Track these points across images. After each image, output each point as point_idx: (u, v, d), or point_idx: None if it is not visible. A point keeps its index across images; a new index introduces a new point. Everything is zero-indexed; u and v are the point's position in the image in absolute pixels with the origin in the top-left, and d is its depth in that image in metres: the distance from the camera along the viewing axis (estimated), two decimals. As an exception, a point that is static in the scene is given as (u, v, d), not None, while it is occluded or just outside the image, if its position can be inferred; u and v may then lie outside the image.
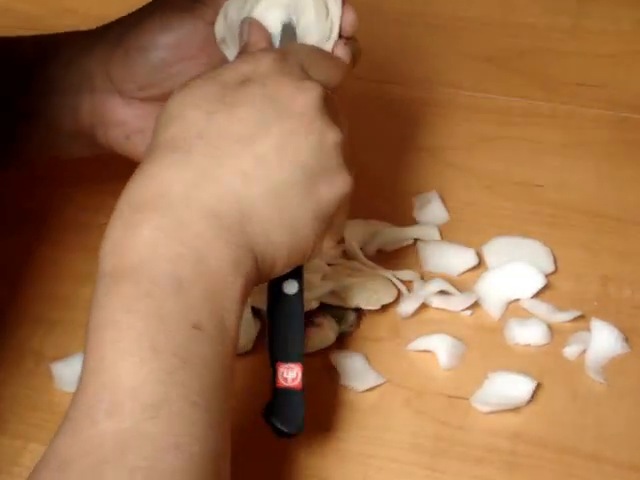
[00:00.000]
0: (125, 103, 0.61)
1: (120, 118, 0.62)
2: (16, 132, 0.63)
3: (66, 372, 0.61)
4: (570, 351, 0.62)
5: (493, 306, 0.64)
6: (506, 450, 0.57)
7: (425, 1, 0.88)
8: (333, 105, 0.53)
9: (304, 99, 0.51)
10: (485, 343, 0.62)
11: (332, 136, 0.51)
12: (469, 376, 0.61)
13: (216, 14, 0.58)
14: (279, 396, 0.54)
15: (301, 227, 0.51)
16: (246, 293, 0.50)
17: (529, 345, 0.62)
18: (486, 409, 0.59)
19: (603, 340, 0.62)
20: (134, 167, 0.72)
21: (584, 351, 0.62)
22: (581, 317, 0.63)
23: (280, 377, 0.54)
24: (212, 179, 0.49)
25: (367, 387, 0.60)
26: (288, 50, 0.54)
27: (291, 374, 0.54)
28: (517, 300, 0.65)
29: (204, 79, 0.52)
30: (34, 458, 0.56)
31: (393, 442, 0.58)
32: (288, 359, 0.54)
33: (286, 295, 0.55)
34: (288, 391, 0.53)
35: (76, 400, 0.46)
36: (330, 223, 0.53)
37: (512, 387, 0.59)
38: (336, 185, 0.52)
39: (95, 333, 0.47)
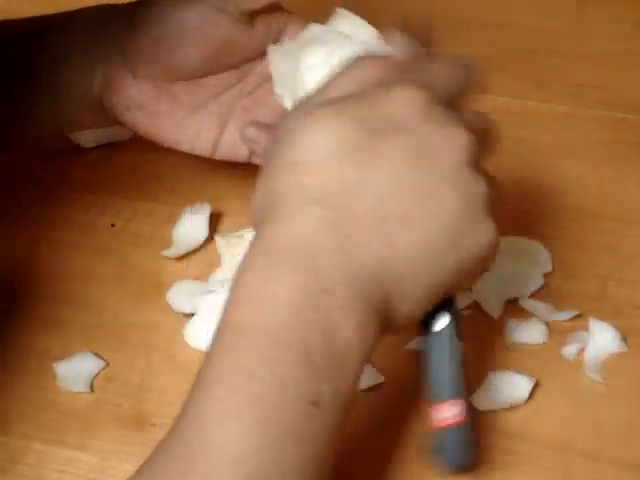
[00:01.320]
0: (130, 76, 0.62)
1: (124, 88, 0.62)
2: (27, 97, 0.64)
3: (69, 371, 0.61)
4: (568, 350, 0.62)
5: (492, 305, 0.64)
6: (504, 449, 0.58)
7: (424, 2, 0.88)
8: (477, 151, 0.49)
9: (453, 153, 0.48)
10: (484, 342, 0.63)
11: (477, 188, 0.48)
12: (468, 375, 0.61)
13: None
14: (439, 435, 0.52)
15: (441, 283, 0.49)
16: (368, 357, 0.47)
17: (527, 344, 0.63)
18: (485, 408, 0.59)
19: (601, 339, 0.62)
20: (136, 168, 0.73)
21: (582, 350, 0.62)
22: (579, 316, 0.64)
23: (438, 417, 0.52)
24: (358, 243, 0.46)
25: (366, 386, 0.60)
26: (429, 80, 0.50)
27: (450, 411, 0.51)
28: (516, 299, 0.65)
29: (346, 119, 0.47)
30: (37, 457, 0.57)
31: (392, 441, 0.58)
32: (444, 397, 0.52)
33: (433, 332, 0.52)
34: (447, 430, 0.51)
35: (168, 448, 0.44)
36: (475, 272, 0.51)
37: (510, 386, 0.60)
38: (482, 238, 0.49)
39: (205, 383, 0.45)
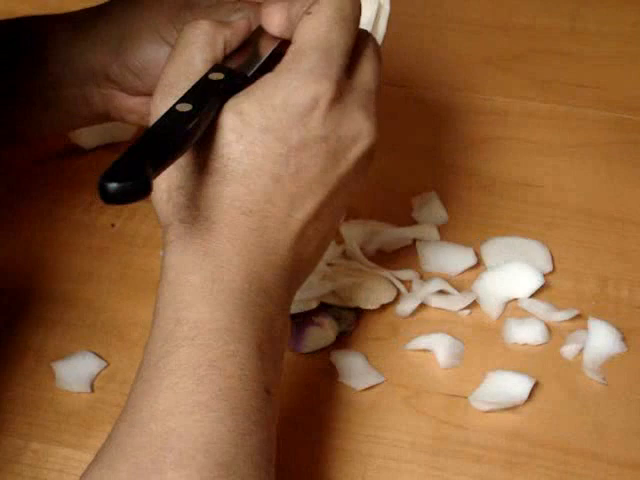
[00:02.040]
0: (131, 96, 0.62)
1: (131, 106, 0.63)
2: (29, 117, 0.64)
3: (67, 371, 0.61)
4: (568, 350, 0.62)
5: (491, 305, 0.64)
6: (504, 449, 0.58)
7: (424, 3, 0.88)
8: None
9: (357, 150, 0.51)
10: (483, 342, 0.63)
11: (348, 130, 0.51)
12: (468, 375, 0.61)
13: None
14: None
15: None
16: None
17: (527, 344, 0.63)
18: (484, 408, 0.59)
19: (601, 339, 0.62)
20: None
21: (582, 350, 0.62)
22: (579, 316, 0.64)
23: None
24: (278, 245, 0.50)
25: (366, 386, 0.60)
26: (349, 84, 0.51)
27: None
28: (515, 299, 0.65)
29: (265, 132, 0.49)
30: (35, 457, 0.57)
31: (392, 441, 0.58)
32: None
33: (178, 112, 0.48)
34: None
35: (135, 436, 0.46)
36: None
37: (510, 386, 0.60)
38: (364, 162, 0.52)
39: (170, 377, 0.46)
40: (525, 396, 0.59)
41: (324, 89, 0.49)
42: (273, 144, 0.49)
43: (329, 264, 0.65)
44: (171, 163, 0.46)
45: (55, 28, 0.64)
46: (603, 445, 0.58)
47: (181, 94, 0.49)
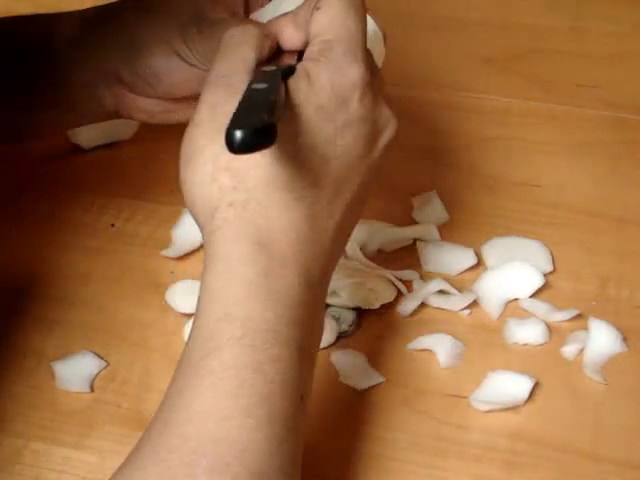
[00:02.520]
0: (141, 97, 0.62)
1: (141, 106, 0.62)
2: (39, 116, 0.64)
3: (67, 371, 0.61)
4: (568, 350, 0.62)
5: (492, 305, 0.64)
6: (505, 449, 0.58)
7: (424, 2, 0.88)
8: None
9: (386, 136, 0.52)
10: (484, 342, 0.63)
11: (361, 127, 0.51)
12: (468, 375, 0.61)
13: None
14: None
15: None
16: None
17: (528, 344, 0.62)
18: (485, 408, 0.59)
19: (601, 339, 0.62)
20: (136, 168, 0.73)
21: (582, 350, 0.62)
22: (579, 316, 0.63)
23: None
24: (323, 235, 0.49)
25: (367, 386, 0.60)
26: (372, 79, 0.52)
27: None
28: (516, 300, 0.65)
29: (317, 111, 0.49)
30: (35, 457, 0.57)
31: (392, 441, 0.58)
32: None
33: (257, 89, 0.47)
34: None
35: (169, 437, 0.45)
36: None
37: (511, 386, 0.60)
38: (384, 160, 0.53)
39: (211, 377, 0.45)
40: (525, 396, 0.59)
41: (359, 72, 0.50)
42: (324, 124, 0.49)
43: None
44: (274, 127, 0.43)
45: (62, 27, 0.63)
46: (603, 445, 0.58)
47: (238, 85, 0.48)
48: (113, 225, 0.70)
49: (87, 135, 0.74)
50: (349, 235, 0.53)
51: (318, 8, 0.51)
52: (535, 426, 0.59)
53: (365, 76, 0.50)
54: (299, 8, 0.54)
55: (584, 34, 0.85)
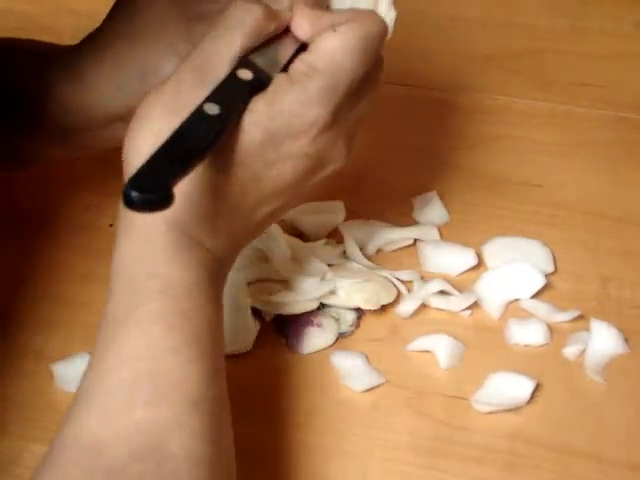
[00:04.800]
0: None
1: None
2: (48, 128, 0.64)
3: (67, 372, 0.61)
4: (570, 351, 0.62)
5: (493, 306, 0.64)
6: (506, 450, 0.58)
7: (424, 2, 0.88)
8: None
9: (329, 170, 0.54)
10: (485, 343, 0.63)
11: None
12: (469, 376, 0.61)
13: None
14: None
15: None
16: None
17: (529, 345, 0.62)
18: (486, 409, 0.59)
19: (602, 340, 0.62)
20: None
21: (583, 351, 0.62)
22: (581, 317, 0.63)
23: None
24: (239, 229, 0.53)
25: (367, 387, 0.60)
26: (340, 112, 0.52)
27: None
28: (517, 300, 0.65)
29: (265, 134, 0.50)
30: (35, 459, 0.57)
31: (393, 442, 0.58)
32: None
33: (206, 115, 0.48)
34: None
35: (104, 383, 0.47)
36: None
37: (512, 387, 0.59)
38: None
39: (139, 326, 0.48)
40: (527, 397, 0.59)
41: (323, 114, 0.51)
42: (266, 149, 0.51)
43: (329, 264, 0.65)
44: (195, 167, 0.46)
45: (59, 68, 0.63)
46: (605, 446, 0.58)
47: (211, 79, 0.49)
48: (112, 225, 0.70)
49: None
50: (256, 235, 0.56)
51: (334, 30, 0.51)
52: (536, 427, 0.59)
53: (328, 120, 0.51)
54: (330, 13, 0.53)
55: (585, 34, 0.85)
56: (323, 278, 0.64)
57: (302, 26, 0.53)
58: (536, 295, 0.65)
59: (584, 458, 0.57)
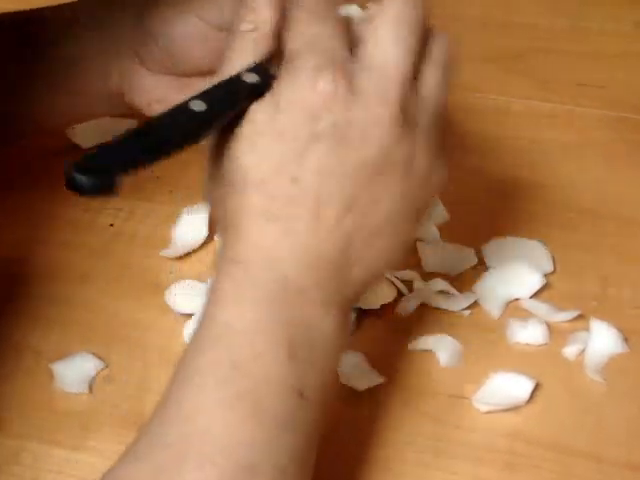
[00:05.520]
0: (148, 72, 0.62)
1: (144, 85, 0.62)
2: (42, 97, 0.65)
3: (66, 371, 0.61)
4: (569, 351, 0.62)
5: (492, 306, 0.64)
6: (505, 449, 0.58)
7: (424, 1, 0.88)
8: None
9: (430, 191, 0.51)
10: (484, 343, 0.63)
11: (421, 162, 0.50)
12: (468, 376, 0.61)
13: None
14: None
15: (396, 250, 0.52)
16: (345, 343, 0.51)
17: (528, 345, 0.62)
18: (485, 408, 0.59)
19: (602, 340, 0.62)
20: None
21: (583, 351, 0.62)
22: (580, 317, 0.63)
23: None
24: (317, 245, 0.49)
25: (367, 386, 0.60)
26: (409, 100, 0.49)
27: None
28: (516, 300, 0.65)
29: (278, 136, 0.48)
30: (33, 457, 0.57)
31: (393, 442, 0.58)
32: None
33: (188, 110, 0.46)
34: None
35: (162, 435, 0.46)
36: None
37: (511, 387, 0.59)
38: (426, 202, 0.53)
39: (193, 377, 0.47)
40: (526, 397, 0.59)
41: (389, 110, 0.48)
42: (287, 145, 0.48)
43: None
44: (158, 160, 0.45)
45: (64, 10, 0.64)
46: (605, 446, 0.58)
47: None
48: (112, 225, 0.70)
49: (86, 135, 0.74)
50: (376, 240, 0.50)
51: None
52: (536, 427, 0.59)
53: (396, 116, 0.48)
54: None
55: (585, 34, 0.85)
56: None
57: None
58: (536, 295, 0.65)
59: (584, 458, 0.57)
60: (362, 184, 0.48)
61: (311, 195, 0.48)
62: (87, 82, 0.64)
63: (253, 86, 0.49)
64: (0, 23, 0.64)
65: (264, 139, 0.48)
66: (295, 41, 0.50)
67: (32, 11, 0.65)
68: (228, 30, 0.54)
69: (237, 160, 0.49)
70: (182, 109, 0.46)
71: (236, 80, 0.49)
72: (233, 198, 0.49)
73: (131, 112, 0.65)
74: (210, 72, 0.60)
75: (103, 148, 0.43)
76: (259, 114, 0.49)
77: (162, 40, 0.60)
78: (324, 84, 0.47)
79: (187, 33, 0.59)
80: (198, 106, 0.47)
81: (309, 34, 0.49)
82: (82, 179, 0.41)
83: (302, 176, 0.48)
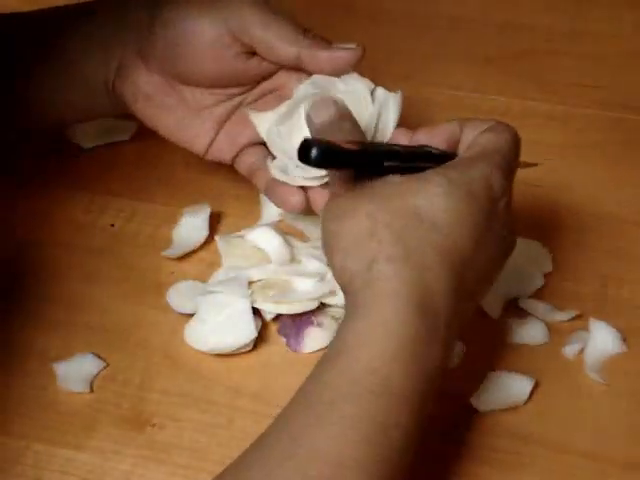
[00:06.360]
0: (144, 68, 0.63)
1: (135, 79, 0.63)
2: (46, 87, 0.65)
3: (70, 372, 0.61)
4: (569, 350, 0.62)
5: (492, 305, 0.64)
6: (504, 449, 0.58)
7: (424, 2, 0.88)
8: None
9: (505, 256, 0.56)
10: (484, 342, 0.63)
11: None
12: (468, 375, 0.61)
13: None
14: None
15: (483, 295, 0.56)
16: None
17: (528, 344, 0.63)
18: (485, 408, 0.59)
19: (601, 340, 0.62)
20: (136, 168, 0.73)
21: (582, 350, 0.62)
22: (580, 317, 0.64)
23: None
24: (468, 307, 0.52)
25: (367, 386, 0.60)
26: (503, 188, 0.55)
27: None
28: (516, 299, 0.65)
29: (469, 196, 0.52)
30: (37, 458, 0.57)
31: (393, 441, 0.58)
32: None
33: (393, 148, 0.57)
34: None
35: (286, 468, 0.46)
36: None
37: (511, 386, 0.60)
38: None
39: (343, 423, 0.46)
40: (525, 396, 0.59)
41: (506, 185, 0.54)
42: (474, 208, 0.51)
43: (329, 264, 0.65)
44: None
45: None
46: (604, 445, 0.58)
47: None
48: (113, 225, 0.70)
49: (86, 135, 0.74)
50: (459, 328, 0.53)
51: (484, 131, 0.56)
52: (535, 426, 0.59)
53: (508, 192, 0.55)
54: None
55: (584, 34, 0.85)
56: (323, 278, 0.64)
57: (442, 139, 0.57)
58: (535, 294, 0.65)
59: (583, 457, 0.57)
60: (492, 275, 0.56)
61: (478, 265, 0.52)
62: (89, 73, 0.64)
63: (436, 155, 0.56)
64: (16, 22, 0.65)
65: (459, 192, 0.51)
66: (488, 145, 0.55)
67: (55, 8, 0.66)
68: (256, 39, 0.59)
69: (430, 198, 0.51)
70: (385, 145, 0.57)
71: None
72: (419, 230, 0.50)
73: (126, 113, 0.66)
74: (204, 83, 0.61)
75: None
76: (453, 173, 0.53)
77: (164, 41, 0.61)
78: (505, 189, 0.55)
79: (193, 40, 0.60)
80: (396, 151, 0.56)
81: (503, 150, 0.55)
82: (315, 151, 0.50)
83: (480, 240, 0.52)
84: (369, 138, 0.59)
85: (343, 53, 0.59)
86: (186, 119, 0.63)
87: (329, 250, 0.51)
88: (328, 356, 0.49)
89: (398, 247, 0.49)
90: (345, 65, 0.59)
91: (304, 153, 0.50)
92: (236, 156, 0.63)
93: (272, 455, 0.46)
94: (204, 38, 0.60)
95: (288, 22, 0.59)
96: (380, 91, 0.61)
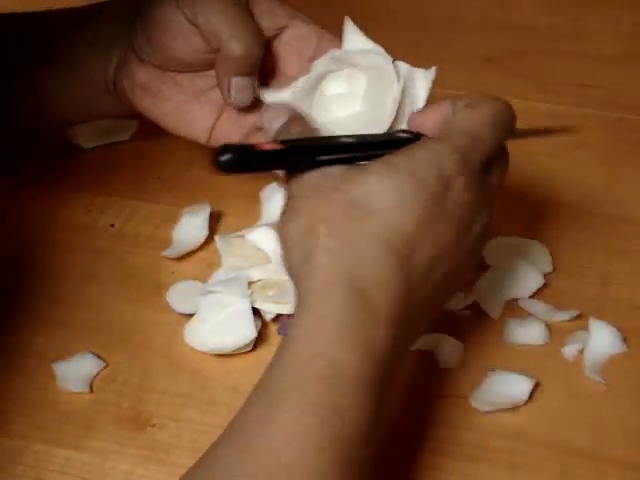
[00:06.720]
0: (138, 59, 0.63)
1: (132, 71, 0.63)
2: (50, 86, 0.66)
3: (69, 372, 0.61)
4: (568, 351, 0.62)
5: (492, 306, 0.64)
6: (504, 449, 0.58)
7: (423, 2, 0.88)
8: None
9: (474, 236, 0.53)
10: (484, 343, 0.63)
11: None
12: (468, 375, 0.61)
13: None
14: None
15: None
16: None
17: (528, 345, 0.63)
18: (485, 408, 0.59)
19: (601, 340, 0.62)
20: (136, 168, 0.73)
21: (582, 351, 0.62)
22: (579, 317, 0.64)
23: None
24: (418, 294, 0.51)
25: (367, 386, 0.60)
26: (471, 159, 0.53)
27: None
28: (516, 300, 0.65)
29: (411, 176, 0.51)
30: (37, 458, 0.57)
31: (391, 441, 0.58)
32: None
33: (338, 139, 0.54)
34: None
35: (246, 462, 0.46)
36: None
37: (511, 386, 0.60)
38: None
39: (294, 411, 0.46)
40: (525, 396, 0.59)
41: (463, 169, 0.52)
42: (416, 188, 0.50)
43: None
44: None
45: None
46: (604, 446, 0.58)
47: None
48: (113, 225, 0.70)
49: (87, 135, 0.75)
50: (428, 322, 0.54)
51: (467, 106, 0.55)
52: (535, 426, 0.59)
53: (467, 177, 0.52)
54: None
55: (584, 34, 0.85)
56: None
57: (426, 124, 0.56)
58: (535, 295, 0.65)
59: (582, 457, 0.57)
60: (459, 259, 0.53)
61: (429, 254, 0.51)
62: (93, 73, 0.65)
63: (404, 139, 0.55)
64: (14, 22, 0.66)
65: (399, 175, 0.51)
66: (458, 125, 0.54)
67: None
68: (199, 26, 0.59)
69: (365, 186, 0.51)
70: (330, 137, 0.54)
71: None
72: (353, 220, 0.50)
73: (130, 113, 0.66)
74: (192, 67, 0.62)
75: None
76: (397, 158, 0.52)
77: (145, 30, 0.61)
78: (461, 171, 0.52)
79: (163, 25, 0.60)
80: (347, 139, 0.53)
81: (475, 130, 0.54)
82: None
83: (432, 221, 0.51)
84: (394, 115, 0.57)
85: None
86: (183, 105, 0.63)
87: (282, 252, 0.52)
88: (278, 350, 0.49)
89: (333, 238, 0.49)
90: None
91: (216, 160, 0.49)
92: (246, 139, 0.63)
93: (230, 451, 0.46)
94: (168, 25, 0.60)
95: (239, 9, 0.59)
96: (404, 66, 0.59)
